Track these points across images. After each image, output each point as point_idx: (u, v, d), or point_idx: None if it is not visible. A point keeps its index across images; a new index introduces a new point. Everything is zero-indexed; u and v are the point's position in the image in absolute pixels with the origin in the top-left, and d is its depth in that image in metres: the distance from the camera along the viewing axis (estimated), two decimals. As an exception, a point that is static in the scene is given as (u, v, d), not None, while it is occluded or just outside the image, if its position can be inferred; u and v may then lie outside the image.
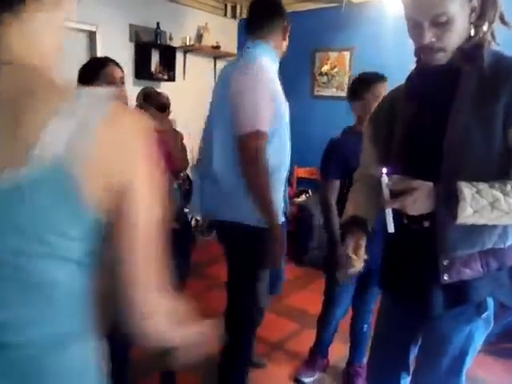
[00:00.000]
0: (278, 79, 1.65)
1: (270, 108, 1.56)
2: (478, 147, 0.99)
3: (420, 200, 0.97)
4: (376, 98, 1.82)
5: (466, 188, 0.95)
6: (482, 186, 0.95)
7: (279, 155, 1.64)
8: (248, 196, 1.59)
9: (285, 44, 1.76)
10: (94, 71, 1.58)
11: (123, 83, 1.62)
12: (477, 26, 1.01)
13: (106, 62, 1.61)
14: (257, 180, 1.56)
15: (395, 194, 0.98)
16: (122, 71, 1.64)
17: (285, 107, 1.67)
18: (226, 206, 1.65)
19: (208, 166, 1.70)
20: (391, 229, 1.01)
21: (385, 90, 1.80)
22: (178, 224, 1.71)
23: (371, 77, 1.88)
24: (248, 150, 1.53)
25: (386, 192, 0.99)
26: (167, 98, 1.71)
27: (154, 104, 1.63)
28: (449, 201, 0.95)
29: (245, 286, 1.75)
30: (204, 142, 1.80)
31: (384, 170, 1.00)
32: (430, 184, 0.98)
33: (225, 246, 1.83)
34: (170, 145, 1.62)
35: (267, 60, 1.63)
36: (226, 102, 1.58)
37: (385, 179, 0.99)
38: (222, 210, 1.68)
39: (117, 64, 1.62)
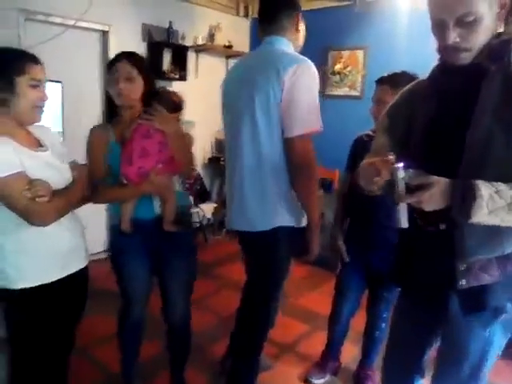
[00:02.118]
0: None
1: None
2: (499, 149, 0.96)
3: (436, 195, 0.94)
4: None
5: (484, 186, 0.92)
6: (502, 186, 0.93)
7: None
8: (276, 199, 1.62)
9: (300, 36, 1.74)
10: (109, 65, 1.63)
11: (129, 79, 1.56)
12: (506, 23, 0.98)
13: (119, 57, 1.61)
14: (313, 178, 1.61)
15: (410, 189, 0.95)
16: (132, 66, 1.58)
17: None
18: (254, 214, 1.65)
19: (234, 171, 1.70)
20: (405, 224, 0.97)
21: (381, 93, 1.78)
22: (180, 227, 1.68)
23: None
24: (307, 148, 1.56)
25: (401, 186, 0.95)
26: (179, 98, 1.68)
27: (164, 104, 1.60)
28: (465, 198, 0.92)
29: (269, 287, 1.77)
30: (229, 146, 1.77)
31: (400, 164, 0.95)
32: (448, 180, 0.95)
33: (248, 249, 1.83)
34: (173, 148, 1.58)
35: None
36: (264, 103, 1.55)
37: (401, 173, 0.95)
38: (248, 219, 1.67)
39: (127, 59, 1.59)
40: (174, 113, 1.63)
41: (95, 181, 1.59)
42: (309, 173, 1.58)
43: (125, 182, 1.60)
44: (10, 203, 1.21)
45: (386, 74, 1.82)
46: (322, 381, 2.18)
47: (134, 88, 1.58)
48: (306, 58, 1.59)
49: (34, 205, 1.22)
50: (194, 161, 1.75)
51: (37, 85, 1.27)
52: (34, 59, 1.27)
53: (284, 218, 1.65)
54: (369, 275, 1.99)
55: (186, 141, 1.67)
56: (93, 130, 1.65)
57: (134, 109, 1.62)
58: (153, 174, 1.57)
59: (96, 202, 1.63)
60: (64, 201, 1.31)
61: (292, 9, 1.68)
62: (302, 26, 1.73)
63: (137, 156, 1.55)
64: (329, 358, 2.21)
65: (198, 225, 4.24)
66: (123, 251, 1.70)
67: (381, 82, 1.82)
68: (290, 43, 1.68)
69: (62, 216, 1.32)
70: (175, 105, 1.65)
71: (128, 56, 1.60)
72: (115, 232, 1.71)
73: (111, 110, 1.65)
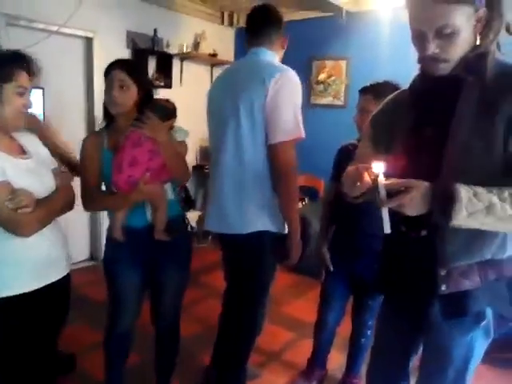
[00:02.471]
0: None
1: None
2: (477, 157, 0.99)
3: (416, 199, 0.95)
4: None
5: (463, 190, 0.94)
6: (480, 189, 0.95)
7: None
8: (258, 205, 1.64)
9: (282, 52, 1.82)
10: (105, 73, 1.61)
11: (122, 87, 1.56)
12: (482, 36, 1.01)
13: (113, 65, 1.60)
14: (294, 185, 1.63)
15: (391, 194, 0.97)
16: (126, 74, 1.57)
17: None
18: (234, 217, 1.68)
19: (215, 174, 1.74)
20: (387, 229, 0.98)
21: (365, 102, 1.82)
22: (172, 235, 1.66)
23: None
24: (290, 155, 1.60)
25: (382, 191, 0.96)
26: (172, 105, 1.68)
27: (157, 111, 1.60)
28: (444, 201, 0.94)
29: (255, 292, 1.78)
30: (212, 151, 1.83)
31: (382, 170, 0.97)
32: (428, 183, 0.97)
33: (230, 254, 1.85)
34: (165, 156, 1.58)
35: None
36: (248, 110, 1.59)
37: (382, 179, 0.97)
38: (228, 222, 1.71)
39: (121, 67, 1.58)
40: (166, 121, 1.62)
41: (89, 188, 1.59)
42: (289, 180, 1.61)
43: (115, 190, 1.59)
44: None
45: (369, 84, 1.85)
46: None
47: (127, 96, 1.57)
48: (290, 68, 1.64)
49: (17, 215, 1.20)
50: (188, 169, 1.74)
51: (23, 92, 1.26)
52: (21, 65, 1.25)
53: (267, 224, 1.67)
54: (353, 283, 2.01)
55: (179, 148, 1.65)
56: (87, 137, 1.65)
57: (129, 116, 1.60)
58: (141, 182, 1.56)
59: (88, 209, 1.66)
60: (46, 211, 1.29)
61: (279, 27, 1.74)
62: (285, 45, 1.81)
63: (127, 164, 1.55)
64: (315, 366, 2.20)
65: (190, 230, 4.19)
66: (115, 260, 1.68)
67: (364, 91, 1.86)
68: (275, 56, 1.74)
69: (45, 226, 1.30)
70: (167, 112, 1.64)
71: (122, 64, 1.59)
72: (109, 241, 1.71)
73: (108, 117, 1.65)
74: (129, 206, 1.61)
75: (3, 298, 1.25)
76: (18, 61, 1.26)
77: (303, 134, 1.62)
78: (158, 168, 1.58)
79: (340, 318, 2.11)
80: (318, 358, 2.20)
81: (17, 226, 1.22)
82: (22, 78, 1.25)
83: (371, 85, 1.84)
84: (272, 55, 1.72)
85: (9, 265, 1.26)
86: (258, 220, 1.65)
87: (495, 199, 0.94)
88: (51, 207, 1.32)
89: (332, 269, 2.01)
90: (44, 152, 1.42)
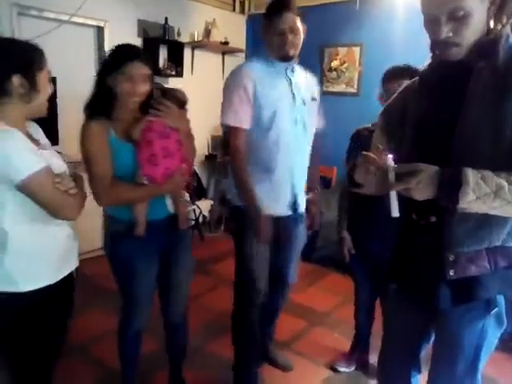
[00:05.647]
0: (264, 82, 1.72)
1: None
2: (487, 143, 0.98)
3: (423, 182, 0.95)
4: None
5: (471, 173, 0.93)
6: (488, 173, 0.94)
7: (257, 152, 1.75)
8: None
9: (273, 42, 1.72)
10: (119, 60, 1.49)
11: (146, 81, 1.50)
12: (496, 20, 0.99)
13: (133, 55, 1.49)
14: (235, 168, 1.75)
15: (400, 178, 0.97)
16: (148, 68, 1.51)
17: (269, 111, 1.72)
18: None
19: None
20: (395, 213, 0.98)
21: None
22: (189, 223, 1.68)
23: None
24: (231, 139, 1.74)
25: (391, 175, 0.97)
26: (183, 95, 1.65)
27: (173, 101, 1.57)
28: (452, 184, 0.94)
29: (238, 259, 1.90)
30: None
31: (390, 155, 0.98)
32: (435, 167, 0.96)
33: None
34: (186, 145, 1.58)
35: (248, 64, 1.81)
36: None
37: (391, 162, 0.98)
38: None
39: (142, 59, 1.49)
40: (182, 110, 1.61)
41: (107, 179, 1.47)
42: (232, 161, 1.75)
43: (145, 182, 1.51)
44: (42, 198, 1.16)
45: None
46: (347, 370, 2.20)
47: (148, 89, 1.51)
48: (241, 66, 1.78)
49: (68, 199, 1.21)
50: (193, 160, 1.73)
51: (50, 79, 1.27)
52: (42, 52, 1.25)
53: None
54: (373, 265, 1.99)
55: (192, 139, 1.65)
56: (92, 126, 1.47)
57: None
58: (178, 174, 1.54)
59: (106, 203, 1.53)
60: (81, 194, 1.29)
61: (264, 20, 1.74)
62: (269, 32, 1.73)
63: (161, 156, 1.50)
64: (356, 348, 2.22)
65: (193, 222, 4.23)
66: (138, 257, 1.59)
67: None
68: (266, 53, 1.77)
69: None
70: (184, 101, 1.63)
71: (141, 55, 1.50)
72: (122, 237, 1.59)
73: (104, 103, 1.52)
74: (154, 198, 1.57)
75: (29, 292, 1.20)
76: (39, 49, 1.24)
77: (227, 122, 1.73)
78: (186, 158, 1.58)
79: (371, 294, 2.08)
80: (359, 340, 2.21)
81: (69, 209, 1.22)
82: (48, 64, 1.25)
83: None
84: (263, 54, 1.79)
85: (37, 256, 1.22)
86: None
87: (503, 182, 0.93)
88: (83, 191, 1.32)
89: (354, 251, 2.00)
90: (48, 142, 1.38)
